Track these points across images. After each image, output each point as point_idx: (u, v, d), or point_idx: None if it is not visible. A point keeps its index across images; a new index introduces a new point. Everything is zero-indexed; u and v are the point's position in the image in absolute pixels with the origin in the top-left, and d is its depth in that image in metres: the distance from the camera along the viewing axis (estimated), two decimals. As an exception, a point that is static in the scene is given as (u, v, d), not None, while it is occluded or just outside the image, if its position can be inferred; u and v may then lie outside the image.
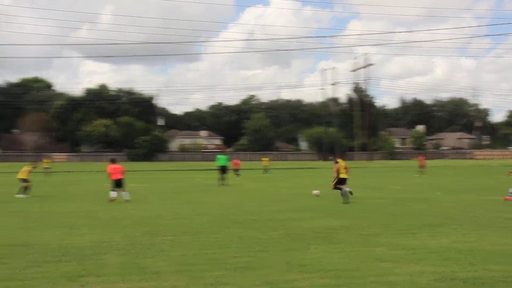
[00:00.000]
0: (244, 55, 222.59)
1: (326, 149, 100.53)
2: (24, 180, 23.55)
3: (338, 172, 19.96)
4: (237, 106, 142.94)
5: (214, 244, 10.99)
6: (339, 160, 20.49)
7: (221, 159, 31.31)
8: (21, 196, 22.72)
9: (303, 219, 14.92)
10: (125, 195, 20.60)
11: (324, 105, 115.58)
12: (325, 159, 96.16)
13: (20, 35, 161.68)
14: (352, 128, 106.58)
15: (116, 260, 9.39)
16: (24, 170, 23.94)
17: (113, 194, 20.49)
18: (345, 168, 20.18)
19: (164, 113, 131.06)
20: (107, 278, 8.13)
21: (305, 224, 13.88)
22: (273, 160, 66.89)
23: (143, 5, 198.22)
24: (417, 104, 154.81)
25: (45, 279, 8.04)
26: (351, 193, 20.02)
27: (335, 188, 20.29)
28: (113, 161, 21.69)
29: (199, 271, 8.52)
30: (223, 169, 30.89)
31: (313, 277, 8.12)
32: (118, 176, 20.81)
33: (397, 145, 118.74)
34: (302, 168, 60.51)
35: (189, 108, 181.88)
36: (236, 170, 40.36)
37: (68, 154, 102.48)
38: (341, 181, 19.91)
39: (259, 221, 14.65)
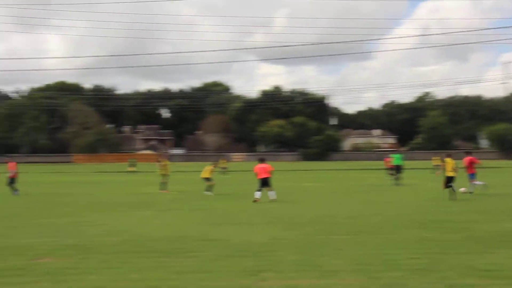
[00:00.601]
0: (418, 51, 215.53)
1: (510, 147, 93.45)
2: (208, 179, 25.17)
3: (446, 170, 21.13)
4: (411, 103, 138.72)
5: (391, 244, 10.83)
6: (446, 159, 21.52)
7: (396, 158, 30.65)
8: (209, 193, 24.30)
9: (486, 221, 14.06)
10: (271, 194, 20.79)
11: (507, 100, 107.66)
12: (508, 158, 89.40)
13: (203, 42, 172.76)
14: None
15: (293, 257, 9.65)
16: (206, 170, 25.59)
17: (258, 194, 20.67)
18: (453, 166, 21.18)
19: (337, 112, 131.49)
20: (285, 274, 8.41)
21: (489, 227, 13.06)
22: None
23: (317, 5, 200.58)
24: None
25: (229, 272, 8.55)
26: (485, 186, 22.53)
27: (446, 186, 21.00)
28: (261, 160, 22.09)
29: (375, 271, 8.46)
30: (397, 168, 30.23)
31: (499, 284, 7.65)
32: (265, 175, 21.10)
33: None
34: (482, 168, 56.79)
35: (362, 107, 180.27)
36: (389, 169, 39.40)
37: (245, 154, 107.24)
38: (448, 180, 20.90)
39: (437, 222, 14.11)
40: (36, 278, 8.25)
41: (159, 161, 29.06)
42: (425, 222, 14.03)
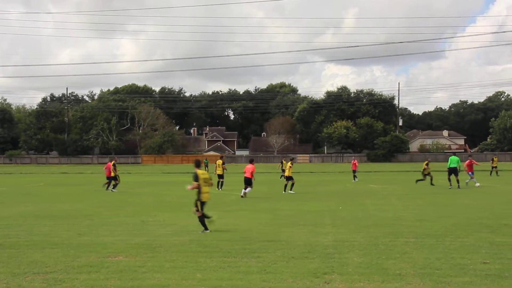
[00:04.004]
0: (493, 49, 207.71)
1: None
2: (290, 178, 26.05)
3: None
4: (482, 103, 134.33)
5: (461, 248, 10.51)
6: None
7: (452, 161, 29.37)
8: (292, 192, 25.59)
9: None
10: (246, 192, 23.38)
11: None
12: None
13: (271, 43, 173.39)
14: None
15: (358, 260, 9.54)
16: (289, 168, 26.57)
17: (243, 192, 23.42)
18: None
19: (405, 113, 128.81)
20: (350, 277, 8.32)
21: None
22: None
23: (386, 4, 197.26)
24: None
25: (293, 274, 8.53)
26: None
27: None
28: (250, 161, 24.76)
29: (444, 276, 8.24)
30: (453, 171, 28.88)
31: None
32: (247, 175, 23.86)
33: None
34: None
35: (431, 108, 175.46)
36: (354, 171, 38.50)
37: (310, 155, 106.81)
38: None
39: (511, 226, 13.57)
40: (107, 276, 8.52)
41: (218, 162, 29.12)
42: (499, 226, 13.54)
